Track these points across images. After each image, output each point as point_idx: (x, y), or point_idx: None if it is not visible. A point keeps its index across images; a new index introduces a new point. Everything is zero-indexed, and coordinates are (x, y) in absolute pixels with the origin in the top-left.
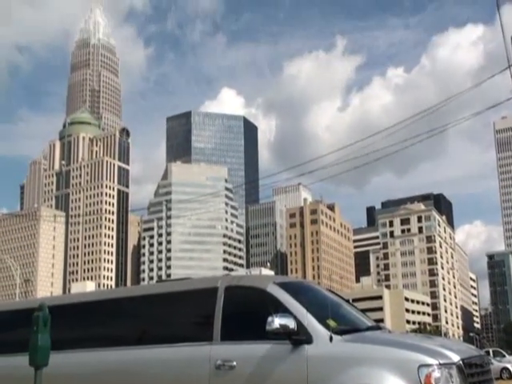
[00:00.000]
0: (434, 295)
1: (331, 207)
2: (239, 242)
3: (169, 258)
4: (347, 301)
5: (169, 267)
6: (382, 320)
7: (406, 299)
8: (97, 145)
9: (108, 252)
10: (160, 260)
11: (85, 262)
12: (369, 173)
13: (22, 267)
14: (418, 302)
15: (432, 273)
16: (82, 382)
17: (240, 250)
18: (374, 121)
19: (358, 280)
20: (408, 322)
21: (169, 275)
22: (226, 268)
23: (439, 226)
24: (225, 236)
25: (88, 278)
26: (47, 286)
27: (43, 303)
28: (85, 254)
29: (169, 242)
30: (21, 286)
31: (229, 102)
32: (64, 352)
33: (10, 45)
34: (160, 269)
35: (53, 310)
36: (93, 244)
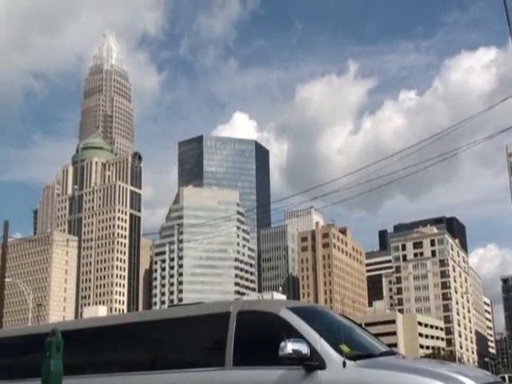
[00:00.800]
0: (447, 320)
1: (343, 231)
2: (251, 265)
3: (180, 282)
4: (360, 325)
5: (180, 291)
6: (395, 345)
7: (420, 324)
8: (109, 169)
9: (120, 276)
10: (172, 284)
11: (97, 286)
12: (381, 196)
13: (35, 291)
14: (431, 327)
15: (446, 297)
16: None
17: (252, 273)
18: (385, 144)
19: (370, 304)
20: (421, 346)
21: (180, 299)
22: (237, 292)
23: (452, 249)
24: (236, 260)
25: (100, 303)
26: (59, 311)
27: (56, 329)
28: (97, 278)
29: (180, 266)
30: (33, 310)
31: (241, 126)
32: (76, 377)
33: (26, 71)
34: (172, 293)
35: (65, 334)
36: (105, 268)
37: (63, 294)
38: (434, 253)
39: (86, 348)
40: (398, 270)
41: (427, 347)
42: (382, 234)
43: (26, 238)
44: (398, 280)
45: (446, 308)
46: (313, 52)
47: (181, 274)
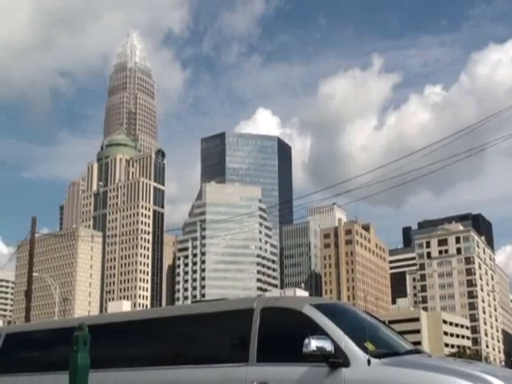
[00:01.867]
0: (473, 318)
1: (366, 228)
2: (273, 262)
3: (203, 278)
4: (384, 323)
5: (203, 287)
6: (419, 343)
7: (445, 322)
8: (133, 166)
9: (144, 272)
10: (194, 280)
11: (121, 282)
12: (405, 193)
13: (61, 286)
14: (456, 325)
15: (471, 295)
16: None
17: (274, 270)
18: (410, 140)
19: (393, 302)
20: (446, 345)
21: (203, 295)
22: (259, 288)
23: (478, 246)
24: (259, 256)
25: (124, 298)
26: (85, 305)
27: (83, 323)
28: (121, 274)
29: (203, 262)
30: (59, 304)
31: (264, 122)
32: (102, 371)
33: (53, 70)
34: (194, 288)
35: (92, 329)
36: (129, 264)
37: (88, 288)
38: (459, 250)
39: (111, 342)
40: (422, 267)
41: (452, 346)
42: (406, 231)
43: (52, 233)
44: (423, 277)
45: (472, 306)
46: (336, 47)
47: (203, 270)
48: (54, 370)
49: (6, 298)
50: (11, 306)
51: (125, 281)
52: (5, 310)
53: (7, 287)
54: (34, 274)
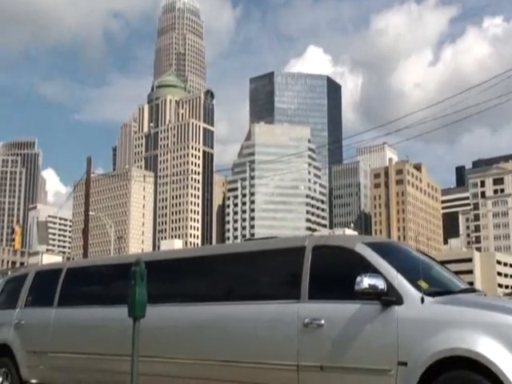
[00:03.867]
0: None
1: (418, 167)
2: (322, 202)
3: (252, 218)
4: (439, 262)
5: (252, 227)
6: (471, 284)
7: (499, 262)
8: (183, 107)
9: (194, 211)
10: (244, 220)
11: (172, 221)
12: (460, 131)
13: (115, 225)
14: (511, 266)
15: None
16: (174, 333)
17: (323, 210)
18: (467, 75)
19: (445, 242)
20: (500, 285)
21: (252, 235)
22: (308, 228)
23: None
24: (308, 196)
25: (176, 236)
26: (138, 243)
27: (140, 259)
28: (172, 213)
29: (252, 202)
30: (115, 242)
31: (315, 61)
32: (157, 305)
33: (106, 12)
34: (244, 228)
35: (148, 265)
36: (180, 203)
37: (141, 227)
38: None
39: (166, 278)
40: (476, 207)
41: (506, 286)
42: (460, 170)
43: (106, 173)
44: (476, 217)
45: None
46: None
47: (253, 210)
48: (113, 304)
49: (65, 236)
50: (69, 243)
51: (176, 220)
52: (64, 247)
53: (65, 225)
54: (90, 213)
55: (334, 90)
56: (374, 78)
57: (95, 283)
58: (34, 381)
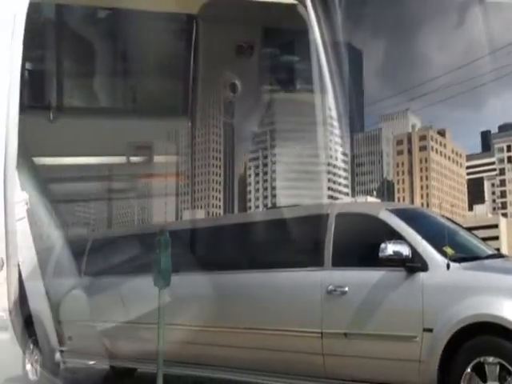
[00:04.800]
0: None
1: (442, 132)
2: (344, 170)
3: (274, 188)
4: (464, 228)
5: (274, 196)
6: (498, 250)
7: None
8: None
9: (216, 181)
10: (265, 189)
11: (194, 191)
12: (486, 95)
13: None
14: None
15: None
16: (199, 301)
17: (345, 178)
18: (494, 37)
19: (470, 208)
20: None
21: (274, 204)
22: (330, 197)
23: None
24: (329, 165)
25: (198, 207)
26: (161, 214)
27: (164, 228)
28: (194, 184)
29: (273, 171)
30: (138, 213)
31: None
32: (182, 274)
33: None
34: (265, 198)
35: (172, 234)
36: (201, 173)
37: (164, 198)
38: None
39: (190, 247)
40: (502, 172)
41: None
42: (485, 135)
43: None
44: (502, 183)
45: None
46: None
47: (274, 180)
48: (138, 273)
49: (90, 207)
50: (94, 214)
51: (198, 190)
52: (88, 219)
53: None
54: None
55: (354, 55)
56: (396, 41)
57: (121, 253)
58: (63, 349)
